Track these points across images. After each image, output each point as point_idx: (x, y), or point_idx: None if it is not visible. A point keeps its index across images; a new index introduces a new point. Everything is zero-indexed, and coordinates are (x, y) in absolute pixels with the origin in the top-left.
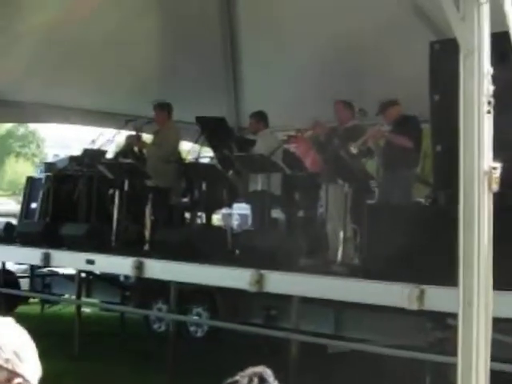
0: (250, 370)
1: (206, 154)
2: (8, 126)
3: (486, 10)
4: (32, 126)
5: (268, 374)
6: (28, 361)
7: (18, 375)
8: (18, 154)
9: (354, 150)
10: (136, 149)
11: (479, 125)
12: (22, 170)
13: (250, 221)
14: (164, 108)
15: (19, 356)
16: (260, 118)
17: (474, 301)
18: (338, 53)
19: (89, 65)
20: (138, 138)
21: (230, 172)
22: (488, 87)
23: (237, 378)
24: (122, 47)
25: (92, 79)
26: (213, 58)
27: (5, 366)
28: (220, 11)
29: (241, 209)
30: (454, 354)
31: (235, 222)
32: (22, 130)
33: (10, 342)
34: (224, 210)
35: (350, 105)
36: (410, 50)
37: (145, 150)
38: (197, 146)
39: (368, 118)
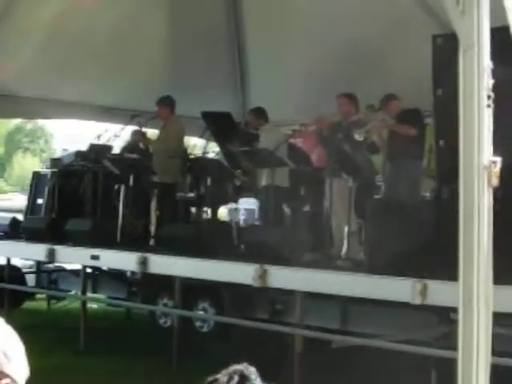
0: (232, 368)
1: (213, 149)
2: (16, 121)
3: (485, 4)
4: (40, 121)
5: (250, 371)
6: (16, 361)
7: (5, 375)
8: (25, 150)
9: (358, 137)
10: (141, 144)
11: (479, 119)
12: (30, 165)
13: (256, 215)
14: (166, 103)
15: (7, 356)
16: (259, 113)
17: (474, 295)
18: (343, 47)
19: (95, 60)
20: (142, 133)
21: (238, 171)
22: (488, 81)
23: (218, 375)
24: (129, 42)
25: (98, 74)
26: (219, 52)
27: None
28: (227, 6)
29: (247, 204)
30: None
31: (241, 217)
32: (30, 125)
33: None
34: (230, 205)
35: (353, 98)
36: (414, 43)
37: (150, 146)
38: (203, 141)
39: (377, 113)
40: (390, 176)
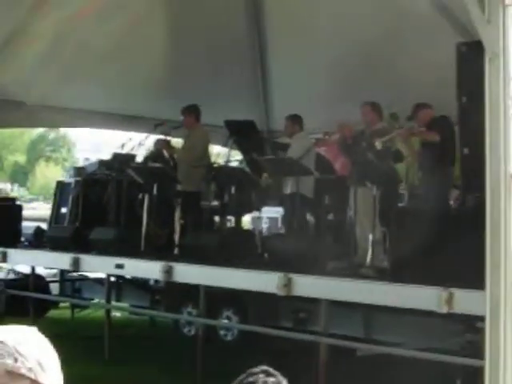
0: (258, 369)
1: (236, 158)
2: (39, 130)
3: (511, 13)
4: (63, 130)
5: (273, 372)
6: (50, 371)
7: None
8: (48, 159)
9: (378, 145)
10: (166, 153)
11: (505, 128)
12: (53, 174)
13: (279, 224)
14: (191, 112)
15: (42, 365)
16: (295, 120)
17: (502, 304)
18: (367, 55)
19: (119, 69)
20: (166, 142)
21: (265, 175)
22: None
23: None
24: (155, 53)
25: (121, 83)
26: (242, 61)
27: (27, 374)
28: (247, 13)
29: (270, 212)
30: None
31: (264, 226)
32: (53, 134)
33: (33, 351)
34: (254, 214)
35: (377, 107)
36: (437, 51)
37: (175, 155)
38: (227, 149)
39: (400, 122)
40: (422, 184)
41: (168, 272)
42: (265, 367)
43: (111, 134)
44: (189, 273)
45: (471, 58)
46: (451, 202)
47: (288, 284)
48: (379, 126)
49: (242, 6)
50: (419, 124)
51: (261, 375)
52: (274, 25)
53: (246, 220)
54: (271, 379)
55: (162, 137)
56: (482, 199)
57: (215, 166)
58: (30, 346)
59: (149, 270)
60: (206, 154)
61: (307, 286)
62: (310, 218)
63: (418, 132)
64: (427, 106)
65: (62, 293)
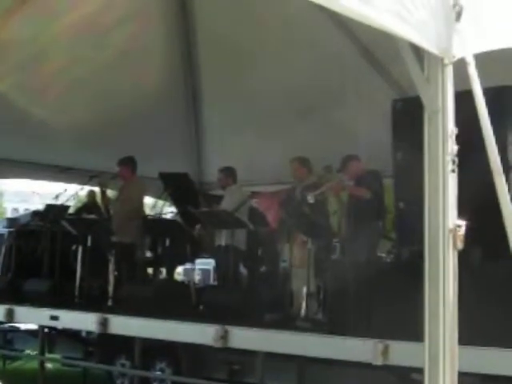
0: None
1: (169, 210)
2: None
3: (449, 71)
4: None
5: None
6: None
7: None
8: None
9: (310, 199)
10: (100, 204)
11: (444, 183)
12: None
13: (211, 276)
14: (128, 163)
15: None
16: (229, 173)
17: (440, 355)
18: (301, 106)
19: (50, 121)
20: (102, 193)
21: (198, 227)
22: (452, 147)
23: None
24: (86, 102)
25: (53, 135)
26: (176, 113)
27: None
28: (182, 66)
29: (202, 264)
30: None
31: (197, 277)
32: None
33: None
34: (186, 265)
35: (306, 162)
36: (373, 105)
37: (110, 206)
38: (160, 201)
39: (334, 175)
40: (348, 236)
41: (103, 324)
42: None
43: (40, 185)
44: (124, 324)
45: (406, 114)
46: (383, 255)
47: (225, 336)
48: (309, 182)
49: (177, 60)
50: (349, 176)
51: None
52: (208, 72)
53: (178, 272)
54: None
55: (96, 188)
56: (417, 253)
57: (149, 217)
58: None
59: (84, 321)
60: (141, 205)
61: (244, 337)
62: (242, 270)
63: (350, 188)
64: (356, 159)
65: None
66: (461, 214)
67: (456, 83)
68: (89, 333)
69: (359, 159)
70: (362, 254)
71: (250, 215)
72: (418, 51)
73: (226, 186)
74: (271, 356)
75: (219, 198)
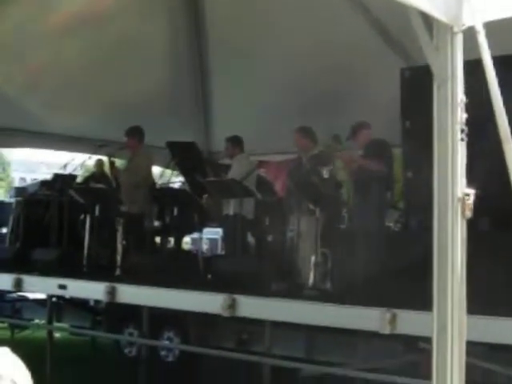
0: None
1: (177, 179)
2: None
3: (459, 39)
4: None
5: None
6: None
7: None
8: None
9: (325, 174)
10: (109, 174)
11: (453, 152)
12: None
13: (219, 245)
14: (135, 134)
15: (15, 383)
16: (236, 142)
17: (448, 325)
18: (311, 75)
19: (59, 89)
20: (111, 163)
21: (205, 196)
22: (461, 115)
23: None
24: (94, 72)
25: (62, 103)
26: (183, 82)
27: None
28: (189, 35)
29: (210, 233)
30: (426, 377)
31: (205, 247)
32: None
33: (8, 371)
34: (194, 235)
35: (308, 132)
36: (382, 74)
37: (119, 176)
38: (168, 171)
39: (343, 145)
40: (356, 206)
41: (111, 293)
42: None
43: (47, 154)
44: (132, 293)
45: (415, 83)
46: (391, 224)
47: (232, 305)
48: (315, 152)
49: (184, 29)
50: (358, 145)
51: None
52: (216, 46)
53: (185, 241)
54: None
55: (104, 157)
56: (425, 221)
57: (157, 187)
58: (5, 366)
59: (92, 290)
60: (149, 175)
61: (252, 307)
62: (250, 239)
63: (362, 161)
64: (366, 127)
65: (1, 313)
66: (469, 183)
67: (466, 52)
68: (97, 302)
69: (370, 127)
70: (371, 223)
71: (258, 184)
72: (427, 19)
73: (234, 155)
74: (279, 325)
75: (227, 168)
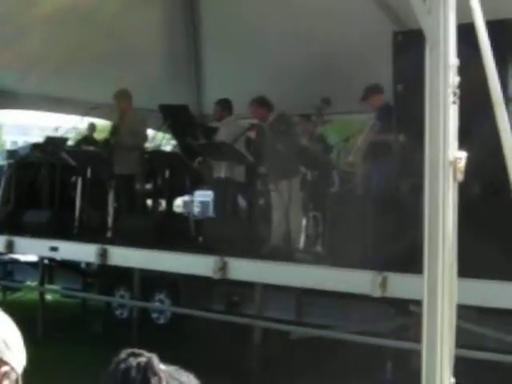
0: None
1: (169, 142)
2: None
3: (452, 2)
4: None
5: (140, 351)
6: (15, 349)
7: (5, 363)
8: None
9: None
10: (101, 136)
11: (445, 115)
12: None
13: (210, 208)
14: (125, 96)
15: (7, 344)
16: (225, 105)
17: (439, 288)
18: (302, 39)
19: (49, 51)
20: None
21: (198, 159)
22: (453, 78)
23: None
24: (84, 34)
25: (53, 66)
26: (176, 45)
27: None
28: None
29: (202, 196)
30: (416, 340)
31: (196, 209)
32: None
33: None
34: (186, 197)
35: (264, 100)
36: (373, 38)
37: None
38: (160, 134)
39: (332, 108)
40: (366, 172)
41: (102, 255)
42: (129, 350)
43: (39, 117)
44: (123, 256)
45: (407, 47)
46: None
47: (223, 267)
48: (272, 118)
49: None
50: (371, 107)
51: (131, 359)
52: (209, 10)
53: (177, 204)
54: (142, 359)
55: (94, 120)
56: (416, 185)
57: (149, 149)
58: None
59: (83, 252)
60: (142, 137)
61: (242, 269)
62: (241, 202)
63: (378, 136)
64: (380, 91)
65: None
66: (461, 146)
67: (459, 16)
68: (88, 264)
69: (382, 91)
70: (380, 188)
71: (247, 147)
72: None
73: (222, 118)
74: (269, 288)
75: (215, 130)
